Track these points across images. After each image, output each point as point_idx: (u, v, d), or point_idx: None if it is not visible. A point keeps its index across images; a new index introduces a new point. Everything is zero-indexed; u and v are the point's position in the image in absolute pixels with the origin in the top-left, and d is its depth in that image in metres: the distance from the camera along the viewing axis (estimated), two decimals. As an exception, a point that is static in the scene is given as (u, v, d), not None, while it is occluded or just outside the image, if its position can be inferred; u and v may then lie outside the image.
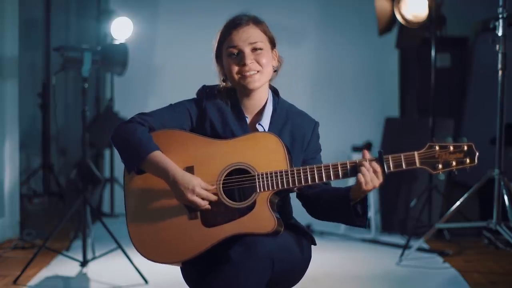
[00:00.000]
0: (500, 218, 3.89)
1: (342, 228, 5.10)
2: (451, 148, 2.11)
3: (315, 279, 3.68)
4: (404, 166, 2.11)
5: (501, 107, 3.91)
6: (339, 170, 2.13)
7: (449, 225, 4.25)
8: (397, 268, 4.06)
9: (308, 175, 2.14)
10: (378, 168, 2.10)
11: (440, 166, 2.10)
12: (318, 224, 5.04)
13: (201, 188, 2.14)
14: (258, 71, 2.26)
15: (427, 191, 4.68)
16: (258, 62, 2.26)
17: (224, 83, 2.35)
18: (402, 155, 2.11)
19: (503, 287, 3.65)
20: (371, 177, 2.10)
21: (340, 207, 2.19)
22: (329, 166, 2.14)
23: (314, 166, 2.14)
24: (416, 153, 2.11)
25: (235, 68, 2.26)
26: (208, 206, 2.16)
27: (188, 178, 2.15)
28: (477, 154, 2.10)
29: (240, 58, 2.25)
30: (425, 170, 2.11)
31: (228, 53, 2.27)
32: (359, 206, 2.20)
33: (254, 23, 2.29)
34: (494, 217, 3.90)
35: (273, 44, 2.33)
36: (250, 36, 2.26)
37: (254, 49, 2.26)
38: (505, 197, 3.87)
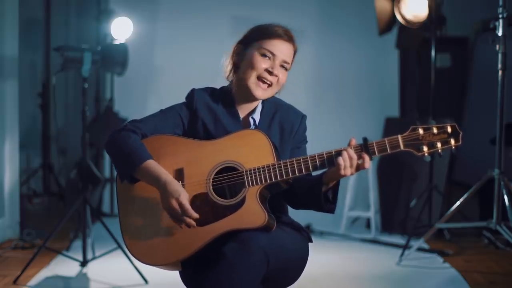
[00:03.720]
0: (500, 218, 3.89)
1: (342, 228, 5.10)
2: (435, 129, 2.10)
3: (315, 279, 3.68)
4: (388, 150, 2.11)
5: (501, 107, 3.91)
6: (325, 158, 2.15)
7: (449, 225, 4.25)
8: (397, 268, 4.06)
9: (295, 166, 2.16)
10: (363, 155, 2.13)
11: (424, 148, 2.10)
12: (318, 224, 5.03)
13: (185, 199, 2.15)
14: (271, 85, 2.31)
15: (427, 191, 4.67)
16: (277, 77, 2.31)
17: (229, 68, 2.37)
18: (386, 139, 2.12)
19: (503, 287, 3.65)
20: (351, 163, 2.13)
21: (311, 191, 2.22)
22: (315, 156, 2.16)
23: (301, 157, 2.17)
24: (399, 136, 2.11)
25: (261, 66, 2.28)
26: (190, 222, 2.14)
27: (177, 187, 2.17)
28: (461, 133, 2.09)
29: (271, 63, 2.29)
30: (410, 152, 2.11)
31: (261, 51, 2.30)
32: (330, 192, 2.23)
33: (293, 43, 2.34)
34: (494, 217, 3.90)
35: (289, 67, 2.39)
36: (286, 53, 2.32)
37: (281, 65, 2.32)
38: (505, 197, 3.87)
